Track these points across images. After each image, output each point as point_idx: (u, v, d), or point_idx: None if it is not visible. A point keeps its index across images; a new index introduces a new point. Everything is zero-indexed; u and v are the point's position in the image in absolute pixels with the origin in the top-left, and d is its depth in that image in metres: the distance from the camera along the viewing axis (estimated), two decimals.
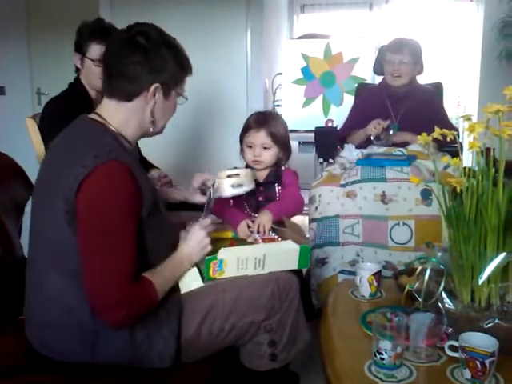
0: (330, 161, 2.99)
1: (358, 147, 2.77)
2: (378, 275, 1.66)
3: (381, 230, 2.28)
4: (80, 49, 2.22)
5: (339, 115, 3.84)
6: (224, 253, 1.53)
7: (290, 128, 2.18)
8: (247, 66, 3.82)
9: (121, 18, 1.93)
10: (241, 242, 1.85)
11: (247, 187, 1.90)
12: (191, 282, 1.51)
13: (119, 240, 1.29)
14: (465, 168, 1.36)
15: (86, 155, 1.29)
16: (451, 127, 2.33)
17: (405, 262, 2.12)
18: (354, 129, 2.91)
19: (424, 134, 1.43)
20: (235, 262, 1.54)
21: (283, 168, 2.16)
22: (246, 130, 2.10)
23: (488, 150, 1.31)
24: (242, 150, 2.15)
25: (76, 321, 1.34)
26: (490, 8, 4.41)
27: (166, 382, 1.40)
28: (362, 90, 3.23)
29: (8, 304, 1.58)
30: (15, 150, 1.94)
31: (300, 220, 2.19)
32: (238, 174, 1.92)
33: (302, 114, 4.23)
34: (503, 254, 1.25)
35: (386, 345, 1.20)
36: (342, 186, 2.42)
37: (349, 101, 3.68)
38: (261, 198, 2.07)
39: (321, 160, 3.19)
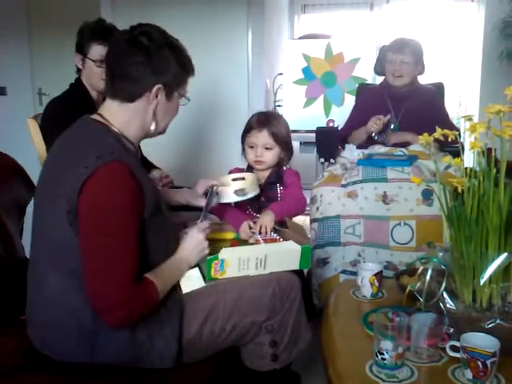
0: (331, 161, 2.99)
1: (359, 147, 2.77)
2: (379, 275, 1.66)
3: (382, 230, 2.28)
4: (81, 49, 2.22)
5: (340, 115, 3.84)
6: (225, 253, 1.53)
7: (291, 128, 2.18)
8: (248, 66, 3.82)
9: (122, 19, 1.94)
10: (242, 242, 1.85)
11: (252, 194, 1.90)
12: (193, 281, 1.52)
13: (121, 241, 1.29)
14: (466, 168, 1.36)
15: (88, 156, 1.29)
16: (452, 127, 2.32)
17: (406, 262, 2.12)
18: (355, 129, 2.91)
19: (425, 134, 1.43)
20: (237, 262, 1.55)
21: (285, 168, 2.16)
22: (247, 131, 2.10)
23: (489, 150, 1.31)
24: (243, 150, 2.15)
25: (76, 321, 1.34)
26: (490, 8, 4.41)
27: (167, 382, 1.40)
28: (363, 90, 3.23)
29: (9, 304, 1.58)
30: (16, 151, 1.95)
31: (301, 220, 2.19)
32: (243, 178, 1.93)
33: (303, 115, 4.23)
34: (505, 255, 1.25)
35: (387, 345, 1.20)
36: (343, 186, 2.42)
37: (350, 101, 3.68)
38: (263, 199, 2.07)
39: (322, 160, 3.18)
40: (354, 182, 2.39)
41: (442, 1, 5.06)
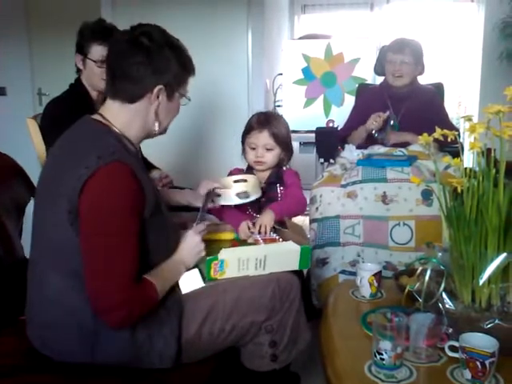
0: (331, 161, 2.99)
1: (358, 148, 2.77)
2: (378, 275, 1.66)
3: (381, 230, 2.28)
4: (81, 50, 2.22)
5: (340, 115, 3.84)
6: (225, 253, 1.53)
7: (290, 128, 2.18)
8: (248, 66, 3.82)
9: (122, 19, 1.94)
10: (242, 243, 1.85)
11: (254, 196, 1.91)
12: (192, 282, 1.52)
13: (121, 241, 1.29)
14: (466, 168, 1.36)
15: (89, 156, 1.29)
16: (452, 127, 2.32)
17: (405, 262, 2.12)
18: (355, 129, 2.91)
19: (425, 135, 1.43)
20: (236, 262, 1.55)
21: (284, 168, 2.16)
22: (248, 131, 2.10)
23: (489, 150, 1.31)
24: (243, 150, 2.15)
25: (76, 321, 1.34)
26: (490, 8, 4.41)
27: (166, 382, 1.40)
28: (363, 91, 3.24)
29: (9, 304, 1.58)
30: (16, 151, 1.95)
31: (301, 220, 2.19)
32: (245, 180, 1.93)
33: (302, 115, 4.23)
34: (504, 255, 1.25)
35: (386, 345, 1.20)
36: (343, 186, 2.42)
37: (350, 101, 3.68)
38: (263, 199, 2.07)
39: (321, 160, 3.18)
40: (354, 183, 2.39)
41: (442, 1, 5.06)
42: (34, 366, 1.39)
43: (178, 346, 1.40)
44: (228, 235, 1.91)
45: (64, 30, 2.95)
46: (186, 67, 1.48)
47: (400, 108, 2.84)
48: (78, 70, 2.30)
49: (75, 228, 1.29)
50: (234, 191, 1.89)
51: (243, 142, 2.14)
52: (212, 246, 1.67)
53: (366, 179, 2.37)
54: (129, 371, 1.38)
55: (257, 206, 2.06)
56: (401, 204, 2.29)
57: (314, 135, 3.29)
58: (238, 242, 1.85)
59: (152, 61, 1.39)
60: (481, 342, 1.17)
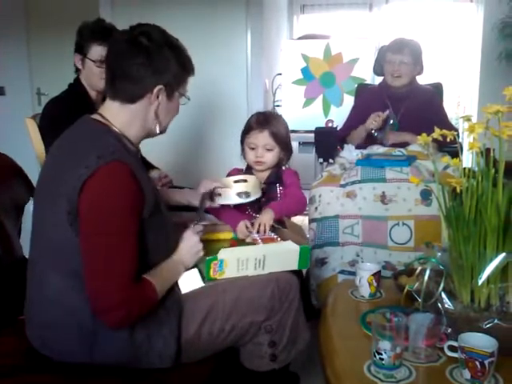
0: (330, 161, 2.99)
1: (357, 147, 2.77)
2: (377, 275, 1.66)
3: (380, 230, 2.28)
4: (81, 50, 2.22)
5: (339, 115, 3.84)
6: (224, 253, 1.53)
7: (290, 128, 2.18)
8: (247, 66, 3.82)
9: (121, 19, 1.94)
10: (241, 242, 1.85)
11: (254, 196, 1.91)
12: (191, 282, 1.52)
13: (121, 241, 1.29)
14: (464, 168, 1.37)
15: (89, 156, 1.29)
16: (451, 128, 2.32)
17: (404, 262, 2.12)
18: (354, 129, 2.91)
19: (424, 135, 1.43)
20: (235, 262, 1.55)
21: (284, 168, 2.16)
22: (247, 131, 2.10)
23: (488, 150, 1.32)
24: (242, 150, 2.15)
25: (76, 321, 1.34)
26: (489, 9, 4.41)
27: (165, 382, 1.40)
28: (362, 91, 3.24)
29: (8, 304, 1.58)
30: (15, 151, 1.95)
31: (300, 220, 2.19)
32: (245, 180, 1.93)
33: (301, 115, 4.22)
34: (503, 255, 1.25)
35: (385, 345, 1.20)
36: (342, 186, 2.42)
37: (349, 101, 3.68)
38: (263, 199, 2.07)
39: (321, 160, 3.18)
40: (353, 182, 2.39)
41: (441, 1, 5.06)
42: (34, 365, 1.39)
43: (177, 345, 1.40)
44: (226, 235, 1.91)
45: (63, 29, 2.96)
46: (185, 67, 1.48)
47: (399, 108, 2.84)
48: (77, 70, 2.29)
49: (75, 228, 1.29)
50: (235, 191, 1.89)
51: (242, 142, 2.14)
52: (210, 246, 1.67)
53: (365, 179, 2.38)
54: (128, 371, 1.38)
55: (256, 206, 2.06)
56: (400, 204, 2.29)
57: (313, 135, 3.29)
58: (237, 242, 1.85)
59: (152, 61, 1.39)
60: (480, 341, 1.17)
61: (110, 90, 1.44)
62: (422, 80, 2.98)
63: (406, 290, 1.47)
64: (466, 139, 1.37)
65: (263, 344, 1.53)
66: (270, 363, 1.54)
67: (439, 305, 1.31)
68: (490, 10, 4.39)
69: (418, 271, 1.48)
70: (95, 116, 1.44)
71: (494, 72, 4.31)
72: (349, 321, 1.53)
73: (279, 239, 1.81)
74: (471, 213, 1.31)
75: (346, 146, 2.84)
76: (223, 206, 1.97)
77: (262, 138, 2.05)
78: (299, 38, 4.61)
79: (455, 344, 1.21)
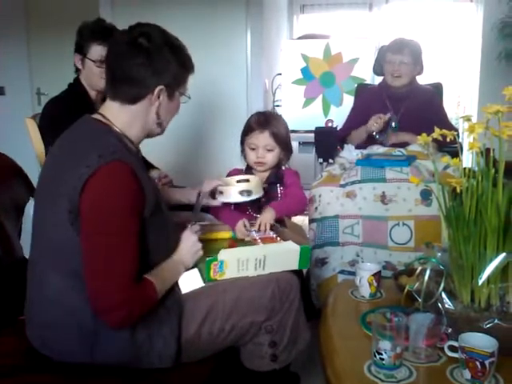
0: (330, 161, 2.99)
1: (357, 147, 2.77)
2: (377, 275, 1.66)
3: (380, 230, 2.28)
4: (81, 49, 2.22)
5: (339, 115, 3.83)
6: (224, 254, 1.53)
7: (289, 128, 2.18)
8: (247, 66, 3.82)
9: (121, 18, 1.94)
10: (240, 241, 1.85)
11: (256, 195, 1.91)
12: (192, 282, 1.52)
13: (122, 240, 1.29)
14: (465, 168, 1.37)
15: (89, 155, 1.29)
16: (451, 127, 2.32)
17: (404, 262, 2.12)
18: (354, 129, 2.91)
19: (424, 135, 1.43)
20: (236, 263, 1.54)
21: (284, 168, 2.16)
22: (247, 132, 2.09)
23: (488, 150, 1.32)
24: (242, 151, 2.15)
25: (76, 321, 1.34)
26: (489, 8, 4.41)
27: (165, 382, 1.40)
28: (362, 91, 3.24)
29: (8, 304, 1.58)
30: (15, 151, 1.95)
31: (300, 220, 2.19)
32: (247, 180, 1.93)
33: (301, 115, 4.22)
34: (503, 255, 1.25)
35: (385, 345, 1.20)
36: (342, 186, 2.42)
37: (348, 101, 3.68)
38: (263, 199, 2.07)
39: (321, 160, 3.18)
40: (353, 182, 2.39)
41: (441, 1, 5.06)
42: (34, 365, 1.39)
43: (177, 345, 1.40)
44: (225, 234, 1.90)
45: (63, 29, 2.96)
46: (185, 66, 1.48)
47: (399, 108, 2.84)
48: (77, 70, 2.29)
49: (75, 228, 1.29)
50: (237, 189, 1.89)
51: (242, 143, 2.14)
52: (209, 246, 1.67)
53: (365, 179, 2.38)
54: (128, 371, 1.38)
55: (256, 206, 2.06)
56: (400, 204, 2.29)
57: (313, 135, 3.29)
58: (236, 241, 1.85)
59: (152, 62, 1.39)
60: (480, 341, 1.17)
61: (110, 90, 1.45)
62: (422, 80, 2.98)
63: (406, 290, 1.47)
64: (465, 139, 1.37)
65: (264, 344, 1.53)
66: (270, 363, 1.54)
67: (439, 305, 1.31)
68: (490, 10, 4.39)
69: (418, 271, 1.48)
70: (96, 116, 1.44)
71: (493, 72, 4.31)
72: (349, 321, 1.53)
73: (279, 238, 1.80)
74: (471, 213, 1.31)
75: (345, 145, 2.84)
76: (224, 205, 1.97)
77: (262, 139, 2.05)
78: (299, 38, 4.61)
79: (455, 344, 1.21)
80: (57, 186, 1.32)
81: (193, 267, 1.53)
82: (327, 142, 3.11)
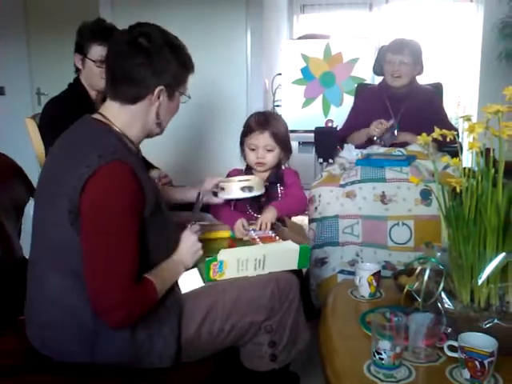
0: (330, 161, 2.99)
1: (357, 147, 2.77)
2: (377, 275, 1.66)
3: (380, 230, 2.28)
4: (81, 50, 2.22)
5: (339, 115, 3.83)
6: (224, 254, 1.53)
7: (289, 128, 2.18)
8: (247, 66, 3.82)
9: (121, 18, 1.94)
10: (238, 241, 1.85)
11: (257, 192, 1.91)
12: (192, 282, 1.52)
13: (122, 240, 1.29)
14: (464, 168, 1.37)
15: (90, 155, 1.29)
16: (451, 127, 2.33)
17: (404, 262, 2.12)
18: (354, 129, 2.91)
19: (424, 135, 1.43)
20: (235, 263, 1.54)
21: (283, 168, 2.16)
22: (247, 133, 2.09)
23: (488, 150, 1.32)
24: (242, 152, 2.15)
25: (76, 321, 1.34)
26: (489, 8, 4.41)
27: (166, 382, 1.40)
28: (362, 91, 3.23)
29: (8, 304, 1.58)
30: (15, 151, 1.95)
31: (300, 220, 2.20)
32: (248, 180, 1.94)
33: (301, 115, 4.22)
34: (502, 255, 1.25)
35: (385, 345, 1.20)
36: (342, 186, 2.42)
37: (349, 101, 3.68)
38: (263, 199, 2.07)
39: (320, 160, 3.18)
40: (353, 182, 2.39)
41: (441, 1, 5.05)
42: (34, 365, 1.39)
43: (177, 345, 1.40)
44: (224, 234, 1.91)
45: (63, 29, 2.96)
46: (185, 66, 1.48)
47: (399, 108, 2.84)
48: (77, 70, 2.29)
49: (76, 228, 1.29)
50: (238, 185, 1.90)
51: (242, 144, 2.14)
52: (208, 245, 1.67)
53: (365, 179, 2.38)
54: (128, 371, 1.38)
55: (257, 206, 2.06)
56: (400, 204, 2.30)
57: (312, 135, 3.29)
58: (234, 241, 1.85)
59: (152, 62, 1.39)
60: (480, 341, 1.17)
61: (110, 90, 1.45)
62: (422, 80, 2.98)
63: (405, 290, 1.47)
64: (465, 139, 1.37)
65: (263, 344, 1.53)
66: (270, 363, 1.54)
67: (439, 304, 1.31)
68: (490, 10, 4.39)
69: (417, 271, 1.48)
70: (96, 116, 1.44)
71: (493, 72, 4.31)
72: (349, 321, 1.53)
73: (277, 238, 1.80)
74: (471, 213, 1.31)
75: (345, 145, 2.84)
76: (224, 205, 1.98)
77: (262, 139, 2.05)
78: (299, 38, 4.60)
79: (455, 344, 1.21)
80: (57, 185, 1.32)
81: (193, 267, 1.53)
82: (327, 142, 3.11)
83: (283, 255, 1.63)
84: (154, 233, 1.40)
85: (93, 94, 2.30)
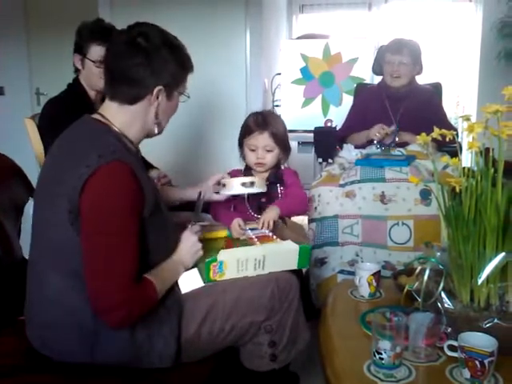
0: (329, 161, 2.99)
1: (357, 147, 2.77)
2: (377, 275, 1.66)
3: (380, 230, 2.28)
4: (80, 50, 2.22)
5: (338, 115, 3.84)
6: (224, 255, 1.53)
7: (289, 128, 2.18)
8: (246, 66, 3.82)
9: (120, 19, 1.93)
10: (235, 240, 1.85)
11: (258, 188, 1.91)
12: (191, 282, 1.52)
13: (122, 240, 1.29)
14: (464, 168, 1.37)
15: (89, 155, 1.29)
16: (450, 127, 2.33)
17: (404, 261, 2.13)
18: (353, 129, 2.91)
19: (423, 134, 1.43)
20: (235, 263, 1.54)
21: (283, 167, 2.16)
22: (246, 134, 2.09)
23: (487, 150, 1.32)
24: (241, 152, 2.14)
25: (76, 321, 1.34)
26: (488, 8, 4.41)
27: (165, 382, 1.40)
28: (361, 90, 3.24)
29: (8, 304, 1.58)
30: (14, 151, 1.95)
31: (299, 220, 2.20)
32: (252, 182, 1.94)
33: (301, 114, 4.22)
34: (502, 254, 1.25)
35: (385, 345, 1.20)
36: (341, 186, 2.42)
37: (348, 101, 3.68)
38: (263, 199, 2.07)
39: (320, 160, 3.19)
40: (352, 182, 2.39)
41: (440, 1, 5.05)
42: (34, 366, 1.39)
43: (177, 345, 1.40)
44: (221, 233, 1.91)
45: (62, 29, 2.95)
46: (184, 66, 1.48)
47: (398, 108, 2.84)
48: (77, 70, 2.29)
49: (75, 228, 1.29)
50: (239, 180, 1.90)
51: (241, 144, 2.13)
52: (205, 245, 1.66)
53: (365, 179, 2.38)
54: (128, 371, 1.38)
55: (257, 207, 2.06)
56: (399, 204, 2.30)
57: (312, 135, 3.30)
58: (232, 240, 1.85)
59: (150, 62, 1.39)
60: (480, 341, 1.17)
61: (108, 90, 1.45)
62: (421, 80, 2.98)
63: (405, 290, 1.47)
64: (465, 139, 1.37)
65: (263, 344, 1.53)
66: (269, 363, 1.54)
67: (439, 304, 1.31)
68: (489, 10, 4.39)
69: (417, 271, 1.48)
70: (95, 116, 1.44)
71: (493, 71, 4.31)
72: (348, 320, 1.53)
73: (275, 237, 1.80)
74: (470, 212, 1.31)
75: (345, 145, 2.84)
76: (224, 204, 1.97)
77: (262, 140, 2.05)
78: (298, 38, 4.61)
79: (455, 343, 1.21)
80: (56, 186, 1.32)
81: (192, 267, 1.53)
82: (326, 142, 3.12)
83: (283, 255, 1.63)
84: (154, 233, 1.40)
85: (92, 94, 2.30)
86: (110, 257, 1.28)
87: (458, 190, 1.36)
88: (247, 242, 1.79)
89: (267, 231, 1.86)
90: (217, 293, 1.50)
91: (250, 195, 2.03)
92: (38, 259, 1.41)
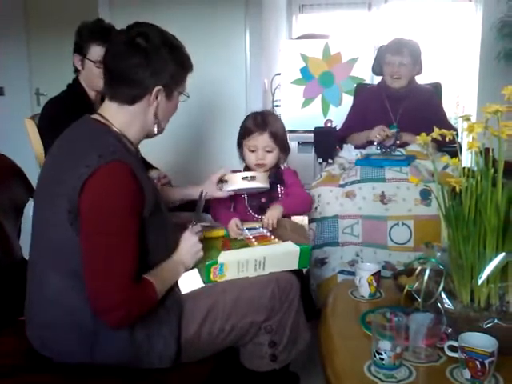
0: (329, 161, 2.98)
1: (357, 147, 2.77)
2: (377, 275, 1.66)
3: (380, 230, 2.28)
4: (80, 50, 2.22)
5: (338, 115, 3.83)
6: (224, 257, 1.53)
7: (289, 128, 2.19)
8: (246, 66, 3.82)
9: (120, 19, 1.92)
10: (233, 240, 1.85)
11: (260, 183, 1.91)
12: (191, 282, 1.52)
13: (121, 240, 1.29)
14: (464, 168, 1.37)
15: (89, 155, 1.29)
16: (450, 127, 2.33)
17: (404, 262, 2.13)
18: (353, 129, 2.91)
19: (423, 134, 1.43)
20: (236, 265, 1.54)
21: (282, 167, 2.16)
22: (245, 135, 2.09)
23: (487, 150, 1.32)
24: (240, 153, 2.14)
25: (76, 321, 1.34)
26: (488, 8, 4.41)
27: (165, 382, 1.40)
28: (361, 90, 3.24)
29: (8, 305, 1.58)
30: (14, 151, 1.95)
31: (299, 220, 2.20)
32: (253, 177, 1.94)
33: (300, 115, 4.22)
34: (502, 254, 1.25)
35: (385, 345, 1.20)
36: (341, 186, 2.42)
37: (348, 101, 3.67)
38: (264, 200, 2.07)
39: (320, 160, 3.18)
40: (352, 182, 2.40)
41: (440, 1, 5.05)
42: (34, 366, 1.39)
43: (177, 345, 1.40)
44: (219, 232, 1.90)
45: (62, 30, 2.95)
46: (183, 66, 1.48)
47: (398, 108, 2.84)
48: (76, 70, 2.29)
49: (75, 228, 1.29)
50: (241, 175, 1.90)
51: (240, 145, 2.13)
52: (204, 245, 1.66)
53: (365, 179, 2.38)
54: (128, 371, 1.38)
55: (257, 207, 2.06)
56: (399, 204, 2.30)
57: (312, 135, 3.29)
58: (229, 239, 1.85)
59: (150, 62, 1.39)
60: (480, 341, 1.17)
61: (108, 91, 1.45)
62: (421, 80, 2.98)
63: (405, 290, 1.47)
64: (465, 139, 1.37)
65: (263, 344, 1.53)
66: (270, 363, 1.54)
67: (439, 304, 1.31)
68: (489, 10, 4.39)
69: (417, 271, 1.48)
70: (95, 116, 1.44)
71: (492, 71, 4.30)
72: (349, 321, 1.53)
73: (273, 237, 1.80)
74: (471, 212, 1.31)
75: (345, 145, 2.84)
76: (223, 205, 1.97)
77: (262, 141, 2.05)
78: (298, 38, 4.60)
79: (455, 344, 1.21)
80: (56, 186, 1.32)
81: (193, 267, 1.53)
82: (326, 142, 3.11)
83: (284, 256, 1.62)
84: (154, 233, 1.40)
85: (92, 94, 2.30)
86: (109, 257, 1.28)
87: (458, 190, 1.36)
88: (244, 242, 1.79)
89: (265, 231, 1.86)
90: (217, 293, 1.50)
91: (250, 195, 2.03)
92: (38, 259, 1.41)
